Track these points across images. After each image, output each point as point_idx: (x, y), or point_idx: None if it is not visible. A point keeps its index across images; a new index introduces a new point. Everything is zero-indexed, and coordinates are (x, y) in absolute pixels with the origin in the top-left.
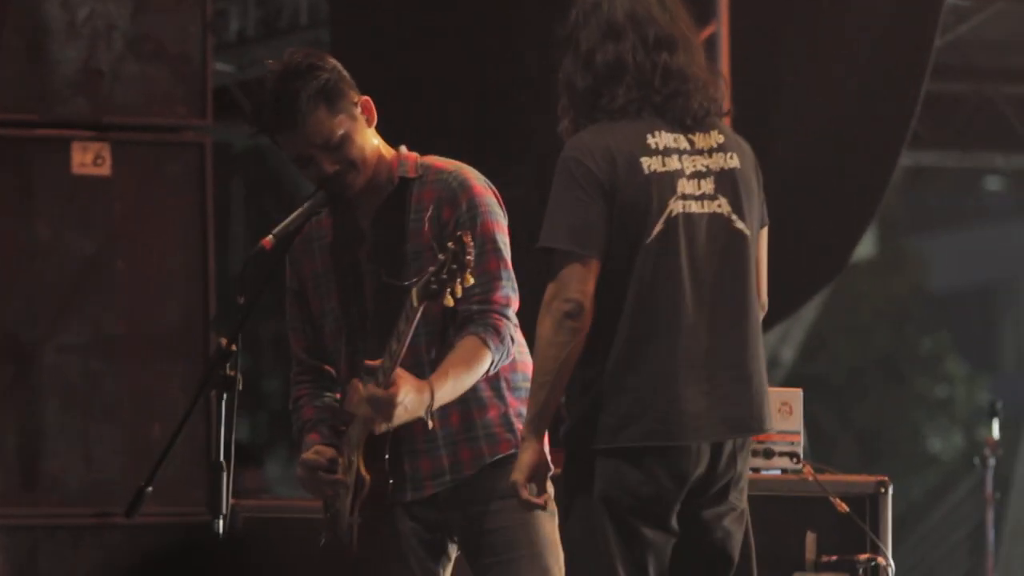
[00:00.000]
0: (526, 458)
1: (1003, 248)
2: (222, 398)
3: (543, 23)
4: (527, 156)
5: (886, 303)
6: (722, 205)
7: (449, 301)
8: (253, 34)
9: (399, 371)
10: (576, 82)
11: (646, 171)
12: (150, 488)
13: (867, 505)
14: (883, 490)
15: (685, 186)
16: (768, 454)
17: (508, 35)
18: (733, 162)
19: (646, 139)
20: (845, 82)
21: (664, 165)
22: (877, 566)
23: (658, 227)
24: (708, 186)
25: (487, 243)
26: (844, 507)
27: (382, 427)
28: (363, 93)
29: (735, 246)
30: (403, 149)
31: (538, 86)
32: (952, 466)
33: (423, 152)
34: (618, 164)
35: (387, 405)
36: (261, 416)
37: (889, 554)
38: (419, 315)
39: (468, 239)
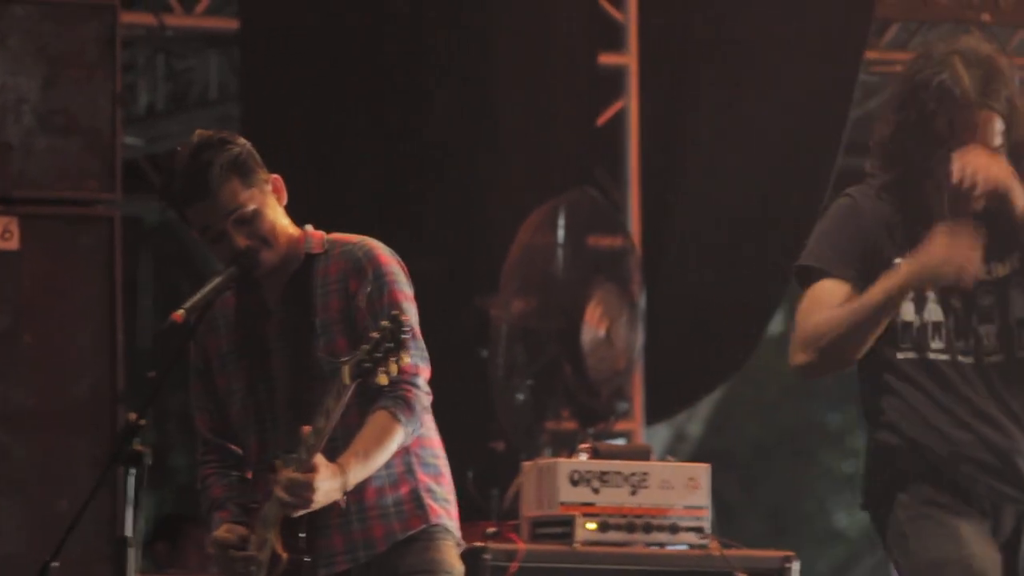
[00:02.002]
0: None
1: None
2: (129, 473)
3: (453, 97)
4: (435, 229)
5: (793, 378)
6: None
7: (383, 380)
8: (162, 108)
9: (317, 457)
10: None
11: None
12: (56, 563)
13: None
14: (788, 565)
15: None
16: (674, 529)
17: (416, 111)
18: None
19: None
20: (758, 162)
21: None
22: None
23: None
24: None
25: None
26: None
27: (299, 512)
28: (272, 170)
29: None
30: (309, 228)
31: (447, 160)
32: (858, 541)
33: (330, 228)
34: None
35: (306, 490)
36: (168, 492)
37: None
38: (350, 393)
39: (405, 318)
